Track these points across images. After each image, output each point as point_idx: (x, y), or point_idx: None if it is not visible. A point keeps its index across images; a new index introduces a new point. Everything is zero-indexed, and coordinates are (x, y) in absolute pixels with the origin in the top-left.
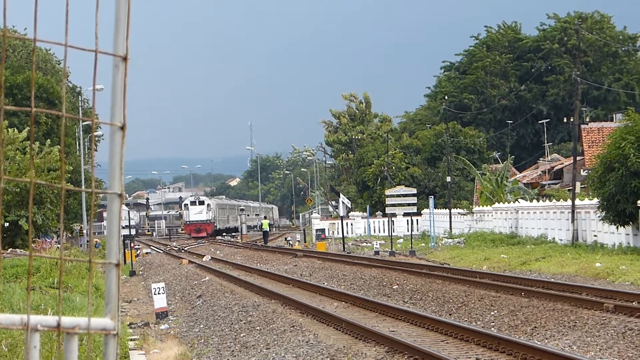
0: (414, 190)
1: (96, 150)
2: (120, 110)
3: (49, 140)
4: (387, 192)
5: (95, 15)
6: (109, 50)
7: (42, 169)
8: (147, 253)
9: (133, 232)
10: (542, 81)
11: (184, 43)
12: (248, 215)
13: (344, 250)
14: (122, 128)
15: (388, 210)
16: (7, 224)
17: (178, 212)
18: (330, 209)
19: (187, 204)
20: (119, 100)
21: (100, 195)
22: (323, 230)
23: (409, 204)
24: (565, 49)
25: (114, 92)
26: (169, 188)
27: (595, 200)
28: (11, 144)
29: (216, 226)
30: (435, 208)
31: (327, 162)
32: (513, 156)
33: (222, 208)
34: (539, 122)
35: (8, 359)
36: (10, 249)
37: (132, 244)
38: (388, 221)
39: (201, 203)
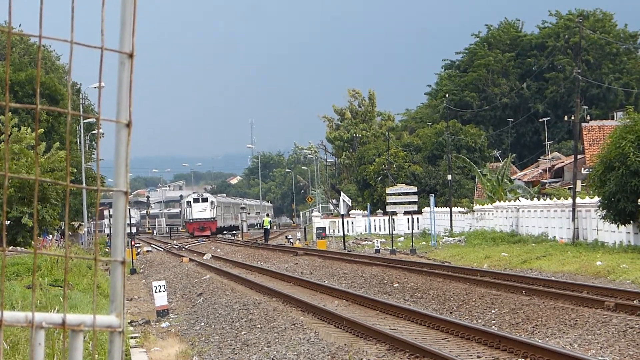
0: (415, 189)
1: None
2: (126, 107)
3: (57, 143)
4: (388, 190)
5: (101, 12)
6: (114, 47)
7: (45, 169)
8: (147, 251)
9: (134, 230)
10: (542, 78)
11: (184, 40)
12: (249, 213)
13: (344, 249)
14: (128, 125)
15: (389, 208)
16: (8, 221)
17: (179, 210)
18: (331, 207)
19: (190, 201)
20: (124, 97)
21: (101, 193)
22: (324, 228)
23: (409, 202)
24: (568, 46)
25: (119, 89)
26: (169, 186)
27: (596, 199)
28: (18, 143)
29: (219, 224)
30: (436, 206)
31: (328, 160)
32: (514, 154)
33: (223, 206)
34: (539, 120)
35: (10, 356)
36: (11, 246)
37: (132, 242)
38: (389, 219)
39: (205, 200)
